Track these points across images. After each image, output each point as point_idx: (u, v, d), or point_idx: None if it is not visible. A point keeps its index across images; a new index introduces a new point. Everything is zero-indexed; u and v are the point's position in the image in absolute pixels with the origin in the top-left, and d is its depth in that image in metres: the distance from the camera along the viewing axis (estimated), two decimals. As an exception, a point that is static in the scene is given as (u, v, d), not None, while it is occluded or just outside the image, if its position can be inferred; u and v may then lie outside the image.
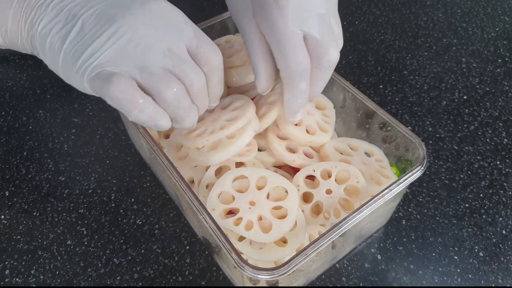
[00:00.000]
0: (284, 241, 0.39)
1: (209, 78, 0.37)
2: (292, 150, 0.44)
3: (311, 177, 0.42)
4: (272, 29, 0.36)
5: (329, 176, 0.41)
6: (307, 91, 0.38)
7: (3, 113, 0.60)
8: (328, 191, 0.40)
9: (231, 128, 0.40)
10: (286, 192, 0.39)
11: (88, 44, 0.33)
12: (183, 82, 0.35)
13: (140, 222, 0.49)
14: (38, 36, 0.36)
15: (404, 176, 0.38)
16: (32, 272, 0.45)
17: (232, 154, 0.40)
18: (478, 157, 0.55)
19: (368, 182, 0.41)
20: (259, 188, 0.40)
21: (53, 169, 0.54)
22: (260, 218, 0.38)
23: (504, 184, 0.52)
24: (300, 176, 0.41)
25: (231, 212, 0.40)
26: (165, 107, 0.35)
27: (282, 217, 0.38)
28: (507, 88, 0.63)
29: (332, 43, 0.36)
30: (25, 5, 0.36)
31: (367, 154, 0.45)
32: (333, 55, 0.36)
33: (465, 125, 0.58)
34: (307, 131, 0.45)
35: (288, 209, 0.38)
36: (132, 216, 0.49)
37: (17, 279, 0.45)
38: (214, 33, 0.53)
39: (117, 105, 0.33)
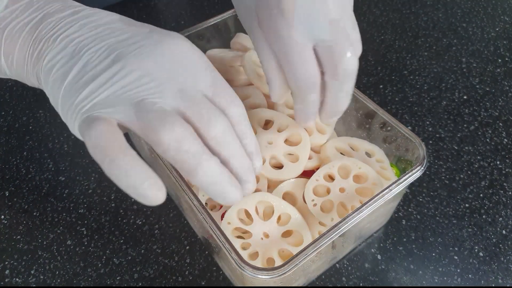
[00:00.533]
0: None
1: (235, 129, 0.31)
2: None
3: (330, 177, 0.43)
4: (278, 40, 0.33)
5: (345, 176, 0.42)
6: (317, 101, 0.35)
7: (3, 113, 0.60)
8: (342, 189, 0.41)
9: (297, 153, 0.42)
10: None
11: (89, 82, 0.28)
12: (197, 127, 0.28)
13: (140, 222, 0.49)
14: (43, 70, 0.31)
15: (404, 176, 0.38)
16: (32, 272, 0.45)
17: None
18: (478, 157, 0.55)
19: (368, 184, 0.41)
20: (278, 221, 0.39)
21: (53, 169, 0.54)
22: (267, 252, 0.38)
23: (504, 184, 0.52)
24: (320, 172, 0.41)
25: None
26: (164, 152, 0.27)
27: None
28: (507, 88, 0.63)
29: (347, 48, 0.32)
30: (34, 36, 0.32)
31: (368, 154, 0.45)
32: (351, 62, 0.33)
33: (465, 125, 0.58)
34: (306, 131, 0.45)
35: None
36: (132, 216, 0.49)
37: (17, 279, 0.45)
38: (214, 33, 0.53)
39: (93, 155, 0.27)
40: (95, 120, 0.27)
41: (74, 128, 0.30)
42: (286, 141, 0.44)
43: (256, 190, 0.41)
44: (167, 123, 0.27)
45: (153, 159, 0.46)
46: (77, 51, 0.30)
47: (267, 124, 0.45)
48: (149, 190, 0.26)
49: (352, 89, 0.35)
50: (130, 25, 0.32)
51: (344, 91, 0.34)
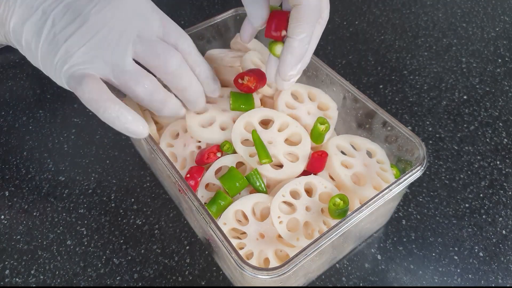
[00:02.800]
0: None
1: (186, 60, 0.38)
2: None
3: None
4: None
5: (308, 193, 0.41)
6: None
7: (3, 113, 0.60)
8: (308, 208, 0.40)
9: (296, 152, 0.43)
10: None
11: (61, 43, 0.34)
12: (157, 65, 0.36)
13: (140, 222, 0.49)
14: (11, 33, 0.36)
15: (404, 176, 0.38)
16: (32, 272, 0.45)
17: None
18: (478, 157, 0.55)
19: (367, 186, 0.41)
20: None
21: (53, 169, 0.54)
22: (261, 253, 0.38)
23: (504, 184, 0.52)
24: (285, 189, 0.40)
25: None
26: (139, 101, 0.37)
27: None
28: (507, 88, 0.63)
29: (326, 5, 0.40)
30: None
31: (369, 154, 0.45)
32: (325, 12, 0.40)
33: (465, 125, 0.58)
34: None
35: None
36: (132, 216, 0.49)
37: (17, 279, 0.45)
38: (214, 33, 0.53)
39: (87, 105, 0.35)
40: (84, 77, 0.34)
41: (62, 83, 0.36)
42: (286, 140, 0.44)
43: (252, 192, 0.41)
44: (140, 82, 0.36)
45: (153, 159, 0.46)
46: (42, 13, 0.35)
47: (266, 124, 0.45)
48: (136, 126, 0.35)
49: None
50: None
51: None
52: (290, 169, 0.41)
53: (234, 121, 0.44)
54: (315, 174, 0.42)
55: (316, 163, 0.41)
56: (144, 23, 0.36)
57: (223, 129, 0.44)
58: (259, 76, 0.44)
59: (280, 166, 0.42)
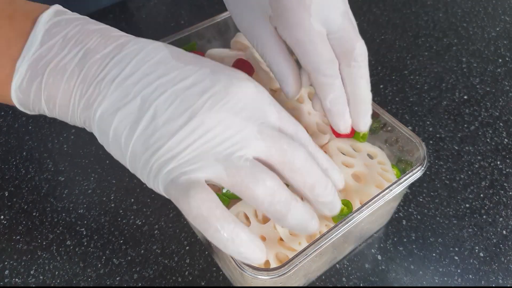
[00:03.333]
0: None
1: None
2: None
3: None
4: (296, 29, 0.34)
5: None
6: (341, 87, 0.36)
7: (3, 113, 0.60)
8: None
9: None
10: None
11: (166, 139, 0.28)
12: (282, 163, 0.30)
13: (139, 223, 0.49)
14: (97, 119, 0.30)
15: (404, 176, 0.38)
16: (32, 272, 0.45)
17: None
18: (479, 157, 0.55)
19: (369, 185, 0.41)
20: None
21: (52, 169, 0.54)
22: None
23: (505, 184, 0.52)
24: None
25: None
26: (258, 205, 0.29)
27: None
28: (508, 88, 0.63)
29: (357, 37, 0.36)
30: (80, 78, 0.30)
31: (370, 156, 0.45)
32: (362, 48, 0.36)
33: (465, 125, 0.58)
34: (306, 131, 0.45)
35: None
36: (132, 217, 0.49)
37: (17, 279, 0.45)
38: (214, 33, 0.53)
39: (193, 221, 0.28)
40: (190, 186, 0.28)
41: (157, 188, 0.30)
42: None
43: None
44: (259, 179, 0.28)
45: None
46: (142, 101, 0.29)
47: None
48: (253, 254, 0.28)
49: (368, 76, 0.36)
50: (185, 63, 0.31)
51: (362, 77, 0.36)
52: None
53: None
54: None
55: None
56: (264, 118, 0.30)
57: None
58: (243, 66, 0.45)
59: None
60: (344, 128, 0.38)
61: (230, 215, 0.28)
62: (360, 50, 0.36)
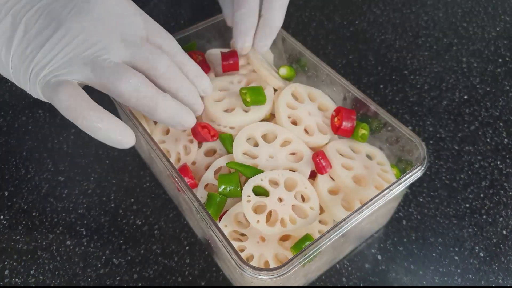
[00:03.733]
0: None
1: (174, 61, 0.36)
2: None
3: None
4: None
5: (277, 184, 0.40)
6: (254, 7, 0.40)
7: (3, 113, 0.60)
8: (280, 199, 0.39)
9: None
10: None
11: (37, 50, 0.32)
12: (145, 69, 0.34)
13: (139, 223, 0.49)
14: None
15: (404, 176, 0.38)
16: (32, 272, 0.45)
17: None
18: (479, 157, 0.55)
19: (368, 187, 0.41)
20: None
21: (52, 169, 0.54)
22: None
23: (505, 184, 0.52)
24: (248, 187, 0.39)
25: None
26: (125, 101, 0.33)
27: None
28: (508, 88, 0.63)
29: None
30: None
31: (369, 157, 0.45)
32: None
33: (465, 125, 0.58)
34: (306, 131, 0.45)
35: None
36: (132, 217, 0.49)
37: (17, 279, 0.45)
38: (214, 33, 0.53)
39: (65, 115, 0.32)
40: (59, 84, 0.31)
41: (38, 94, 0.33)
42: (288, 156, 0.43)
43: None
44: (123, 76, 0.32)
45: (152, 159, 0.46)
46: (12, 17, 0.32)
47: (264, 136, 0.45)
48: (119, 135, 0.32)
49: (285, 4, 0.41)
50: None
51: (278, 1, 0.40)
52: None
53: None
54: (322, 174, 0.42)
55: (321, 163, 0.41)
56: (127, 27, 0.34)
57: (246, 111, 0.45)
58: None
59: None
60: (241, 48, 0.42)
61: (97, 105, 0.31)
62: None
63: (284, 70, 0.50)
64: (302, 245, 0.36)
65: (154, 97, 0.33)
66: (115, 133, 0.32)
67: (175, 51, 0.37)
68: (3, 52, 0.33)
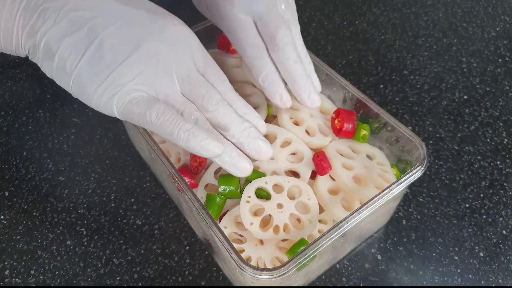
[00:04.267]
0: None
1: (225, 98, 0.38)
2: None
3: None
4: (224, 19, 0.40)
5: (281, 190, 0.40)
6: (270, 67, 0.40)
7: (3, 113, 0.60)
8: (279, 206, 0.39)
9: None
10: None
11: (113, 68, 0.33)
12: (200, 104, 0.36)
13: (139, 222, 0.49)
14: (42, 46, 0.33)
15: (404, 176, 0.38)
16: (32, 272, 0.45)
17: None
18: (479, 157, 0.55)
19: (369, 186, 0.41)
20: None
21: (52, 169, 0.54)
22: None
23: (505, 184, 0.52)
24: (250, 188, 0.39)
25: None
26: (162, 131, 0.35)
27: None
28: (508, 88, 0.63)
29: (280, 23, 0.39)
30: (22, 6, 0.33)
31: (369, 157, 0.45)
32: (284, 33, 0.39)
33: (465, 125, 0.58)
34: (308, 133, 0.45)
35: None
36: (132, 216, 0.49)
37: (17, 279, 0.45)
38: (214, 33, 0.53)
39: (158, 129, 0.34)
40: (152, 101, 0.34)
41: (110, 107, 0.35)
42: (288, 157, 0.43)
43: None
44: (191, 113, 0.36)
45: (152, 159, 0.47)
46: (88, 32, 0.33)
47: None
48: (211, 144, 0.34)
49: (295, 56, 0.40)
50: (125, 4, 0.35)
51: (289, 59, 0.40)
52: None
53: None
54: (322, 175, 0.42)
55: (321, 164, 0.41)
56: (192, 62, 0.36)
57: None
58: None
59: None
60: (282, 103, 0.42)
61: (187, 119, 0.35)
62: (281, 36, 0.39)
63: None
64: (297, 249, 0.36)
65: (208, 131, 0.36)
66: (206, 141, 0.34)
67: (225, 90, 0.38)
68: (69, 62, 0.33)
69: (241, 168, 0.36)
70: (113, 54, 0.33)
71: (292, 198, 0.40)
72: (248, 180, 0.40)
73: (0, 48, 0.36)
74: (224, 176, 0.40)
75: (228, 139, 0.37)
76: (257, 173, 0.40)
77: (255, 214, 0.39)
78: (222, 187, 0.40)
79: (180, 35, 0.36)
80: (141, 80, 0.34)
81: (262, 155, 0.38)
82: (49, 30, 0.33)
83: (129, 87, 0.34)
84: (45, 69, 0.35)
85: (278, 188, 0.40)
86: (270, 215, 0.38)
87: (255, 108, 0.46)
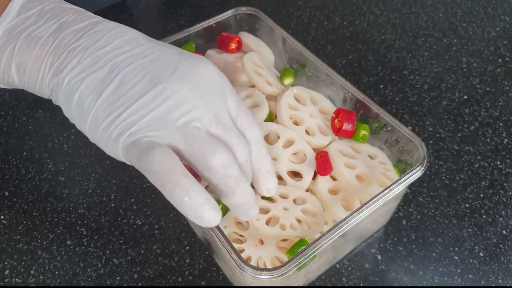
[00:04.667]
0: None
1: (251, 149, 0.34)
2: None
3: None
4: None
5: (286, 197, 0.40)
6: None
7: (3, 113, 0.60)
8: (285, 208, 0.39)
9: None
10: None
11: (128, 105, 0.30)
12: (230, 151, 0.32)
13: (139, 222, 0.49)
14: (64, 85, 0.31)
15: (404, 176, 0.38)
16: (32, 272, 0.45)
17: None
18: (479, 157, 0.55)
19: (373, 185, 0.41)
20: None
21: (52, 169, 0.54)
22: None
23: (505, 184, 0.52)
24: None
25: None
26: (210, 176, 0.30)
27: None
28: (508, 88, 0.63)
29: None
30: (54, 46, 0.31)
31: (370, 157, 0.45)
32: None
33: (465, 125, 0.58)
34: (307, 133, 0.45)
35: None
36: (132, 216, 0.49)
37: (17, 279, 0.45)
38: (214, 33, 0.53)
39: (153, 178, 0.29)
40: (154, 145, 0.29)
41: (116, 150, 0.31)
42: (290, 157, 0.43)
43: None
44: (216, 150, 0.30)
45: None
46: (110, 69, 0.30)
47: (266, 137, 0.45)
48: (207, 212, 0.28)
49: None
50: (154, 43, 0.33)
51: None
52: (294, 187, 0.41)
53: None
54: (323, 175, 0.41)
55: (324, 164, 0.41)
56: (222, 104, 0.32)
57: None
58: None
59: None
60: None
61: (189, 174, 0.29)
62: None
63: (288, 80, 0.50)
64: (296, 249, 0.36)
65: (238, 178, 0.31)
66: (202, 207, 0.28)
67: (257, 140, 0.35)
68: (88, 100, 0.30)
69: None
70: (131, 93, 0.30)
71: (297, 204, 0.40)
72: None
73: (23, 85, 0.33)
74: None
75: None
76: None
77: (261, 212, 0.39)
78: None
79: (211, 77, 0.33)
80: (152, 118, 0.30)
81: (252, 217, 0.34)
82: (74, 68, 0.31)
83: (139, 127, 0.30)
84: (66, 110, 0.33)
85: (283, 194, 0.40)
86: (275, 215, 0.38)
87: (255, 107, 0.46)
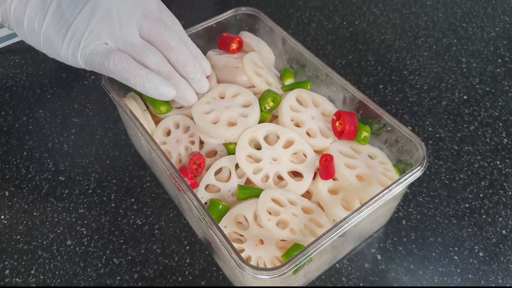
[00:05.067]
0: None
1: (181, 40, 0.42)
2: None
3: None
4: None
5: (296, 204, 0.40)
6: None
7: (3, 113, 0.60)
8: (294, 214, 0.39)
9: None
10: None
11: (70, 22, 0.38)
12: (159, 42, 0.40)
13: (140, 222, 0.49)
14: (12, 12, 0.38)
15: (404, 176, 0.38)
16: (32, 272, 0.45)
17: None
18: (478, 157, 0.55)
19: (373, 184, 0.41)
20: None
21: (53, 169, 0.54)
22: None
23: (504, 184, 0.52)
24: (267, 194, 0.40)
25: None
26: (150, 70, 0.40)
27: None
28: (507, 88, 0.63)
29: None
30: None
31: (370, 157, 0.45)
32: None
33: (465, 125, 0.58)
34: (308, 134, 0.45)
35: None
36: (132, 216, 0.49)
37: (17, 279, 0.45)
38: (214, 33, 0.53)
39: (117, 76, 0.39)
40: (110, 50, 0.38)
41: (76, 60, 0.39)
42: (290, 157, 0.43)
43: None
44: (148, 55, 0.40)
45: (152, 159, 0.47)
46: None
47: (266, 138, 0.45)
48: (165, 89, 0.40)
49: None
50: None
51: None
52: (294, 187, 0.41)
53: (243, 116, 0.44)
54: (325, 180, 0.42)
55: (327, 169, 0.41)
56: (146, 6, 0.41)
57: (231, 125, 0.44)
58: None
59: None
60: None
61: (142, 66, 0.39)
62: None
63: (289, 81, 0.50)
64: (292, 253, 0.35)
65: (169, 73, 0.41)
66: (161, 86, 0.39)
67: (181, 32, 0.44)
68: (36, 22, 0.38)
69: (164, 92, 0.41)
70: (70, 9, 0.38)
71: (306, 212, 0.40)
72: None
73: None
74: (244, 188, 0.41)
75: (182, 75, 0.42)
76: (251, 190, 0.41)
77: (271, 214, 0.39)
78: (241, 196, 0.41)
79: None
80: (98, 30, 0.38)
81: (204, 89, 0.45)
82: None
83: (89, 38, 0.38)
84: (20, 33, 0.40)
85: (291, 201, 0.40)
86: (285, 218, 0.39)
87: (247, 106, 0.46)
